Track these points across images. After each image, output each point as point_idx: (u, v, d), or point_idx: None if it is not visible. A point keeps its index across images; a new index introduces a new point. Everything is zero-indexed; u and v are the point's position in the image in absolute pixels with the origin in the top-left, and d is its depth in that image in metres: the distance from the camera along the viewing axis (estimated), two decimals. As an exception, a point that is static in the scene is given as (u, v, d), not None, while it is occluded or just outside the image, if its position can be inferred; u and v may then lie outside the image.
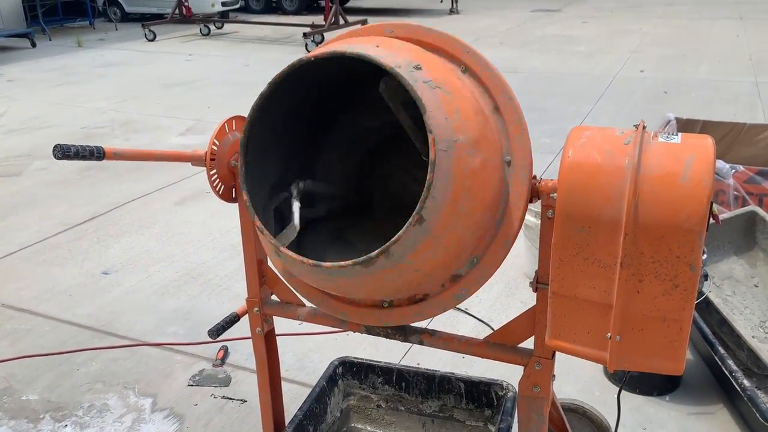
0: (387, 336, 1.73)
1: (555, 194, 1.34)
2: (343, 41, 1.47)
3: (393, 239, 1.25)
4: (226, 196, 1.78)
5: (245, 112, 1.77)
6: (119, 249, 4.06)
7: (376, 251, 1.26)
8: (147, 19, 13.47)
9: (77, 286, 3.59)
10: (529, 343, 1.59)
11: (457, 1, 15.17)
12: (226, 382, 2.75)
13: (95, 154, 1.48)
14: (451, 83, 1.35)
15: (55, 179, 5.24)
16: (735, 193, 3.21)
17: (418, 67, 1.31)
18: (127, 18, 15.27)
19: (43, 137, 6.41)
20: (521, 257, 3.43)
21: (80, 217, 4.54)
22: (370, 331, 1.73)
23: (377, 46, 1.35)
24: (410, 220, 1.23)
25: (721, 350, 2.44)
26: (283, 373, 2.14)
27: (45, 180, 5.23)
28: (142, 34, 12.61)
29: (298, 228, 1.54)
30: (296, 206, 1.58)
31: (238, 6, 15.46)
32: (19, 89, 8.63)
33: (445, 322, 3.12)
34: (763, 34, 11.13)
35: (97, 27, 14.51)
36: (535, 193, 1.44)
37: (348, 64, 1.35)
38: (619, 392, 1.86)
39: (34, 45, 11.99)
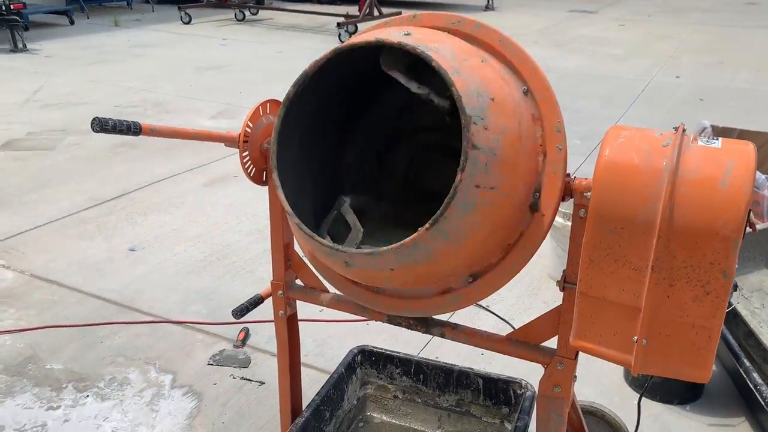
0: (409, 327, 1.73)
1: (589, 193, 1.33)
2: (379, 30, 1.46)
3: (439, 212, 1.24)
4: (257, 179, 1.79)
5: (278, 98, 1.78)
6: (147, 227, 4.11)
7: (428, 223, 1.25)
8: (183, 2, 13.56)
9: (104, 260, 3.65)
10: (551, 343, 1.58)
11: (493, -2, 15.06)
12: (245, 363, 2.78)
13: (132, 129, 1.50)
14: (490, 80, 1.34)
15: (88, 155, 5.32)
16: (769, 204, 3.15)
17: (407, 34, 1.31)
18: (165, 0, 15.41)
19: (77, 113, 6.50)
20: (546, 257, 3.41)
21: (110, 194, 4.60)
22: (392, 320, 1.73)
23: (409, 34, 1.35)
24: (451, 192, 1.22)
25: (747, 363, 2.40)
26: (302, 358, 2.15)
27: (77, 155, 5.31)
28: (178, 17, 12.72)
29: (360, 231, 1.55)
30: (351, 215, 1.59)
31: (274, -7, 15.52)
32: (56, 65, 8.77)
33: (465, 318, 3.11)
34: (805, 45, 10.87)
35: (135, 8, 14.67)
36: (568, 191, 1.43)
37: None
38: (640, 398, 1.84)
39: (72, 22, 12.15)
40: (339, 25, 10.93)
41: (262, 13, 14.03)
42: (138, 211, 4.35)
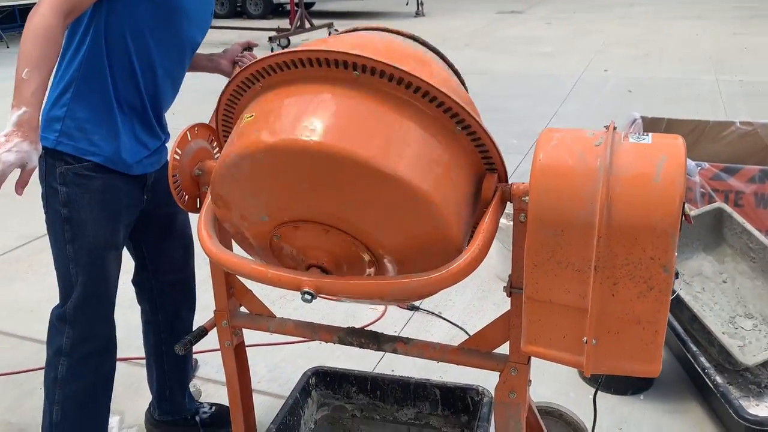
0: (360, 345, 1.69)
1: (527, 197, 1.32)
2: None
3: None
4: (191, 207, 1.73)
5: (207, 121, 1.72)
6: (83, 261, 3.94)
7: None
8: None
9: (39, 301, 3.47)
10: (503, 349, 1.57)
11: (422, 4, 15.22)
12: (196, 395, 2.68)
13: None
14: None
15: (8, 191, 5.08)
16: (701, 190, 3.25)
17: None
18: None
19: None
20: (492, 258, 3.40)
21: (41, 230, 4.38)
22: (343, 340, 1.69)
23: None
24: None
25: (693, 347, 2.46)
26: (254, 385, 2.09)
27: (2, 192, 5.06)
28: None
29: None
30: None
31: (201, 11, 15.27)
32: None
33: (418, 327, 3.10)
34: (720, 32, 11.37)
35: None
36: (506, 197, 1.42)
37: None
38: (595, 393, 1.86)
39: (-10, 53, 11.69)
40: (271, 39, 10.84)
41: (191, 32, 13.78)
42: (73, 245, 4.17)
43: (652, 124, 3.92)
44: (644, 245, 1.21)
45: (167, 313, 2.33)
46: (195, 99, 8.07)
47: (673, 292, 2.49)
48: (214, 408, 2.53)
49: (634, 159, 1.23)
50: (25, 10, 13.70)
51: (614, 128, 1.31)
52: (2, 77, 9.67)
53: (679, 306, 2.55)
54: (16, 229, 4.42)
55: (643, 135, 1.29)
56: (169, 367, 2.38)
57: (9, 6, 13.39)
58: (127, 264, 3.73)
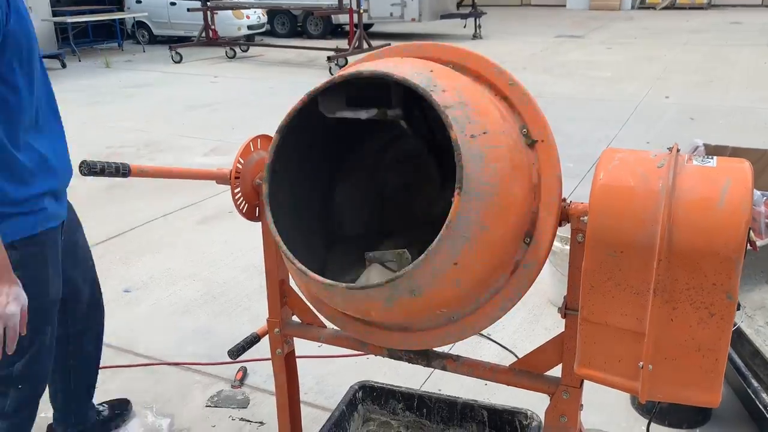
0: (409, 360, 1.69)
1: (585, 217, 1.31)
2: (370, 62, 1.46)
3: (432, 245, 1.22)
4: (250, 215, 1.77)
5: (269, 133, 1.77)
6: (141, 267, 4.07)
7: (420, 258, 1.23)
8: (174, 42, 13.71)
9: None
10: (555, 371, 1.55)
11: (480, 27, 15.25)
12: (244, 403, 2.72)
13: (121, 171, 1.49)
14: (476, 101, 1.34)
15: (82, 197, 5.29)
16: (766, 220, 3.13)
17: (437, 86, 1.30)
18: (155, 40, 15.56)
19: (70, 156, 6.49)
20: (545, 283, 3.37)
21: (104, 235, 4.57)
22: (393, 354, 1.70)
23: (395, 66, 1.35)
24: (445, 224, 1.21)
25: (755, 383, 2.36)
26: (301, 396, 2.11)
27: (71, 198, 5.26)
28: (169, 57, 12.83)
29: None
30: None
31: (263, 30, 15.70)
32: (49, 109, 8.78)
33: (467, 348, 3.07)
34: (790, 61, 11.00)
35: (126, 49, 14.80)
36: (564, 216, 1.41)
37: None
38: (649, 424, 1.81)
39: (64, 66, 12.25)
40: (329, 59, 11.04)
41: (253, 50, 14.17)
42: (132, 251, 4.31)
43: (715, 152, 3.81)
44: (706, 271, 1.18)
45: (76, 326, 2.31)
46: (254, 115, 8.27)
47: (735, 324, 2.40)
48: (108, 405, 2.60)
49: (698, 182, 1.21)
50: (97, 26, 14.35)
51: (678, 150, 1.28)
52: (72, 89, 10.12)
53: (740, 339, 2.46)
54: (80, 234, 4.59)
55: (707, 158, 1.27)
56: (76, 379, 2.37)
57: (83, 22, 14.04)
58: (183, 271, 3.80)
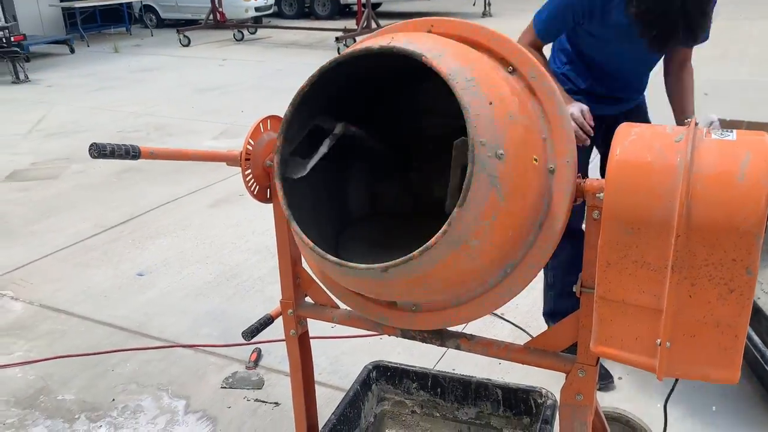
0: (423, 340, 1.68)
1: (601, 194, 1.29)
2: (386, 35, 1.42)
3: (446, 223, 1.20)
4: (261, 197, 1.76)
5: (279, 115, 1.75)
6: (154, 251, 4.08)
7: (435, 237, 1.21)
8: (182, 25, 13.67)
9: (112, 287, 3.62)
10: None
11: (490, 4, 15.08)
12: (259, 384, 2.74)
13: (131, 153, 1.47)
14: (493, 82, 1.31)
15: (93, 182, 5.32)
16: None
17: (471, 80, 1.26)
18: (163, 24, 15.51)
19: (80, 141, 6.51)
20: (558, 261, 3.35)
21: (116, 219, 4.59)
22: (406, 334, 1.69)
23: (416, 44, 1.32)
24: (459, 200, 1.19)
25: (772, 359, 2.34)
26: (316, 377, 2.11)
27: (82, 183, 5.31)
28: (176, 40, 12.79)
29: (307, 169, 1.48)
30: (323, 149, 1.51)
31: (271, 11, 15.60)
32: (58, 94, 8.81)
33: (481, 327, 3.06)
34: (806, 34, 10.80)
35: (134, 33, 14.77)
36: (579, 193, 1.39)
37: (388, 61, 1.32)
38: (666, 401, 1.79)
39: (72, 51, 12.24)
40: (337, 39, 10.96)
41: (261, 32, 14.10)
42: (144, 235, 4.33)
43: (730, 127, 3.74)
44: (726, 246, 1.16)
45: None
46: (263, 97, 8.25)
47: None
48: None
49: (717, 156, 1.18)
50: (105, 11, 14.31)
51: (696, 124, 1.26)
52: (81, 74, 10.13)
53: (757, 316, 2.44)
54: (94, 218, 4.61)
55: (726, 131, 1.24)
56: None
57: (91, 6, 14.00)
58: (196, 254, 3.83)
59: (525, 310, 3.21)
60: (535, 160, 1.31)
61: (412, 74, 1.45)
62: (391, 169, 1.86)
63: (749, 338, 2.42)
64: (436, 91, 1.46)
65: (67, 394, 2.74)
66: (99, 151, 1.40)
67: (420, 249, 1.25)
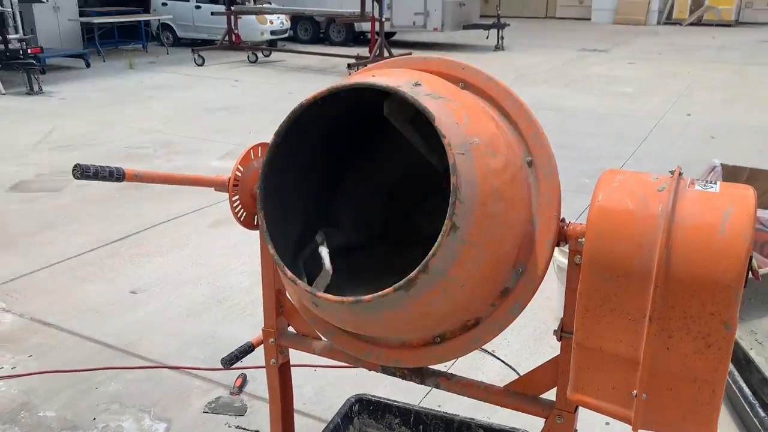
0: (403, 377, 1.66)
1: (583, 239, 1.27)
2: (358, 76, 1.44)
3: (430, 252, 1.19)
4: (248, 224, 1.76)
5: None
6: (150, 269, 4.08)
7: (415, 270, 1.20)
8: (197, 45, 13.84)
9: (105, 303, 3.61)
10: (551, 394, 1.51)
11: (503, 38, 15.21)
12: (241, 411, 2.71)
13: (115, 175, 1.47)
14: (455, 94, 1.32)
15: (95, 197, 5.34)
16: (781, 245, 3.06)
17: (418, 84, 1.28)
18: (179, 43, 15.72)
19: (88, 155, 6.56)
20: (553, 300, 3.32)
21: (115, 235, 4.60)
22: (386, 370, 1.67)
23: (373, 75, 1.33)
24: (443, 229, 1.18)
25: (761, 413, 2.30)
26: (299, 406, 2.09)
27: (84, 197, 5.33)
28: (191, 59, 12.95)
29: (330, 273, 1.50)
30: (325, 252, 1.54)
31: (286, 35, 15.79)
32: (70, 107, 8.90)
33: (470, 363, 3.03)
34: (817, 82, 10.82)
35: (150, 50, 14.96)
36: (562, 237, 1.37)
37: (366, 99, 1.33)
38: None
39: (88, 65, 12.40)
40: (349, 66, 11.06)
41: (275, 55, 14.26)
42: (142, 253, 4.33)
43: (733, 173, 3.74)
44: (704, 299, 1.14)
45: None
46: (273, 120, 8.28)
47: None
48: None
49: (699, 208, 1.17)
50: (122, 27, 14.53)
51: (680, 174, 1.25)
52: (95, 88, 10.24)
53: (749, 367, 2.40)
54: (93, 233, 4.62)
55: (710, 183, 1.23)
56: None
57: (109, 23, 14.23)
58: (191, 274, 3.81)
59: (516, 347, 3.17)
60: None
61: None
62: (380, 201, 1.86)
63: (739, 390, 2.37)
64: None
65: (49, 411, 2.71)
66: (82, 172, 1.41)
67: (396, 285, 1.23)
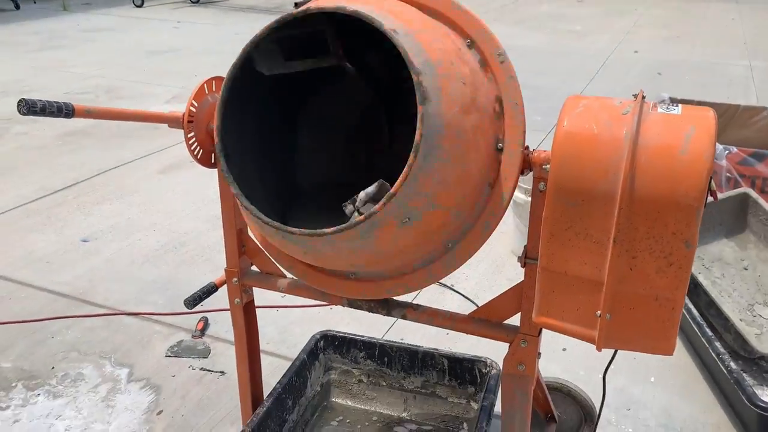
0: (370, 310, 1.67)
1: (548, 166, 1.28)
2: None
3: (389, 192, 1.18)
4: (205, 161, 1.71)
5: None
6: (100, 216, 3.97)
7: (398, 181, 1.19)
8: (135, -15, 13.15)
9: (55, 253, 3.51)
10: (514, 320, 1.54)
11: None
12: (205, 353, 2.70)
13: (64, 110, 1.40)
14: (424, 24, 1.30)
15: (36, 144, 5.11)
16: (728, 174, 3.17)
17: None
18: (115, -17, 14.92)
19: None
20: (509, 234, 3.38)
21: (61, 183, 4.43)
22: (353, 304, 1.68)
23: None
24: (403, 172, 1.17)
25: (709, 332, 2.42)
26: (263, 346, 2.09)
27: (25, 144, 5.10)
28: (129, 0, 12.34)
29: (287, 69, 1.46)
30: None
31: (228, -26, 15.15)
32: (1, 52, 8.42)
33: (429, 297, 3.08)
34: (758, 17, 11.06)
35: (84, -9, 14.17)
36: (526, 164, 1.38)
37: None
38: (605, 372, 1.82)
39: (18, 7, 11.68)
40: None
41: (218, -5, 13.70)
42: (90, 200, 4.20)
43: (680, 106, 3.82)
44: (667, 219, 1.17)
45: None
46: (219, 61, 8.04)
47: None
48: None
49: (662, 129, 1.19)
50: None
51: (643, 97, 1.26)
52: (26, 32, 9.66)
53: (696, 290, 2.50)
54: (37, 182, 4.45)
55: (672, 106, 1.24)
56: None
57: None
58: (143, 221, 3.73)
59: (474, 281, 3.24)
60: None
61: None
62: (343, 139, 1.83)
63: (687, 311, 2.49)
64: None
65: (4, 362, 2.65)
66: (29, 107, 1.33)
67: (365, 214, 1.23)
